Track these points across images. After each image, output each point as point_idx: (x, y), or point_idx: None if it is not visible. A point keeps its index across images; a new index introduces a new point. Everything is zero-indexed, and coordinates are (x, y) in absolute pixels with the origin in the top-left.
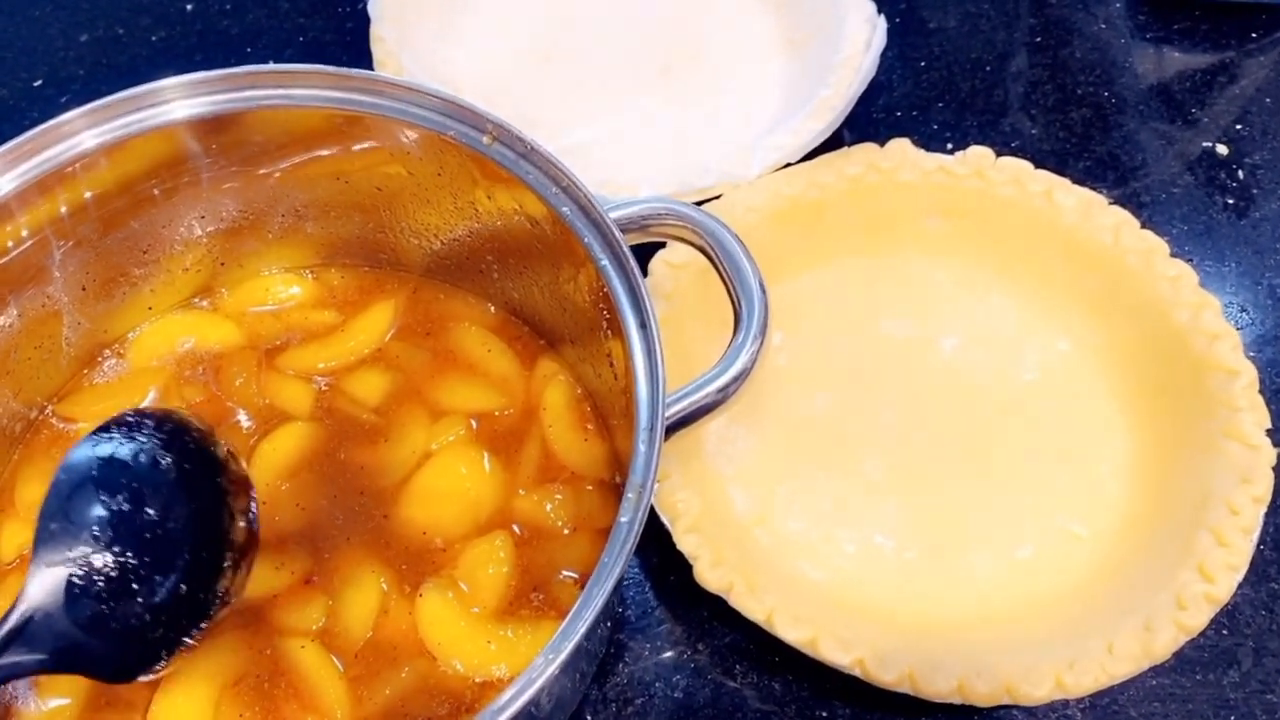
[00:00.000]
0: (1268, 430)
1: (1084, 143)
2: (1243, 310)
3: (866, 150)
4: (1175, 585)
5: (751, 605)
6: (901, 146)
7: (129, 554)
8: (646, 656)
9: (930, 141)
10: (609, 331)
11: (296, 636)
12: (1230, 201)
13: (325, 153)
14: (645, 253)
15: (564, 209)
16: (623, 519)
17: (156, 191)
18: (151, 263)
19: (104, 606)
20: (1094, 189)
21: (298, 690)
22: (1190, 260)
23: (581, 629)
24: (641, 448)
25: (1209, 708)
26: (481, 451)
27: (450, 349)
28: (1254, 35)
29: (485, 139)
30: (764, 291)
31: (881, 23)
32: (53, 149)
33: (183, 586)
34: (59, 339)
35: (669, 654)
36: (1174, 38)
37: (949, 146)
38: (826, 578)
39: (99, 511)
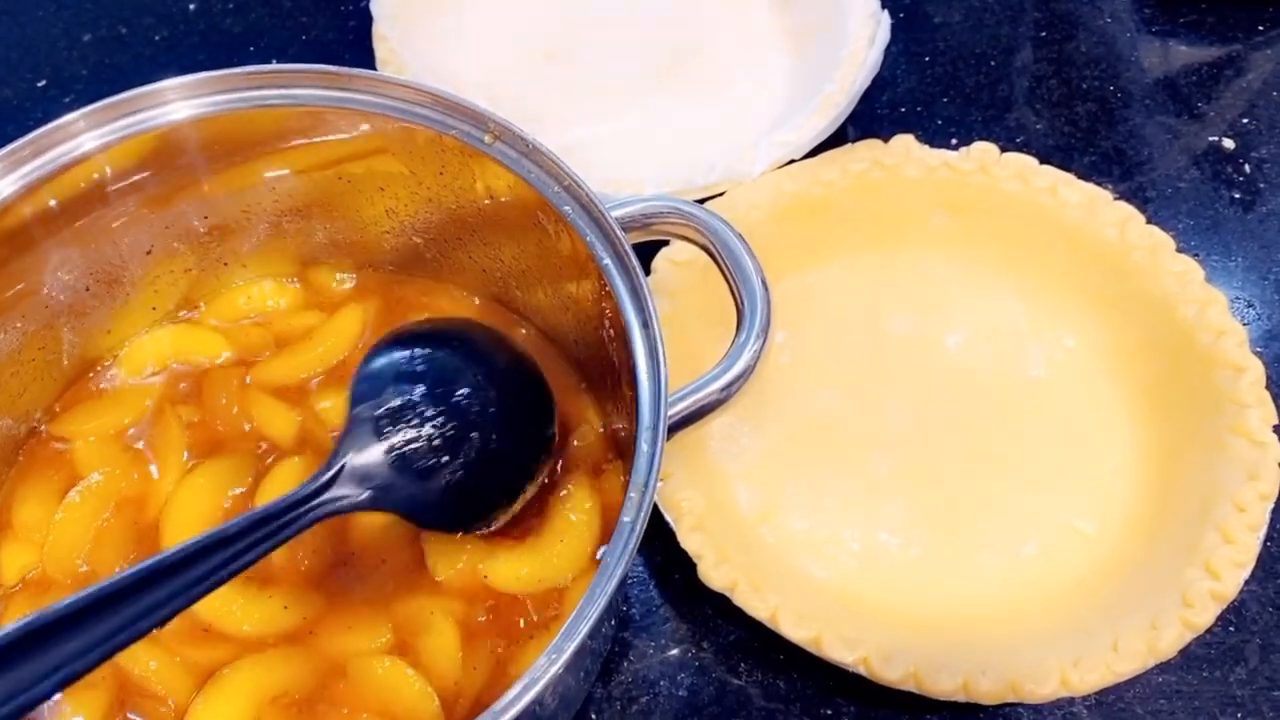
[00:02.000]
0: (1275, 426)
1: (1089, 137)
2: (1249, 305)
3: (870, 146)
4: (1181, 582)
5: (755, 604)
6: (905, 143)
7: (432, 406)
8: (651, 655)
9: (935, 137)
10: (611, 330)
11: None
12: (1237, 196)
13: (326, 153)
14: (648, 250)
15: (566, 207)
16: (625, 518)
17: (159, 192)
18: (154, 264)
19: (416, 453)
20: (1099, 184)
21: (359, 699)
22: (1196, 255)
23: (585, 627)
24: (644, 446)
25: (1216, 705)
26: None
27: None
28: (1260, 28)
29: (487, 138)
30: (766, 289)
31: (885, 18)
32: (53, 151)
33: (487, 438)
34: (53, 352)
35: (674, 652)
36: (1180, 31)
37: (954, 142)
38: (831, 576)
39: (402, 369)
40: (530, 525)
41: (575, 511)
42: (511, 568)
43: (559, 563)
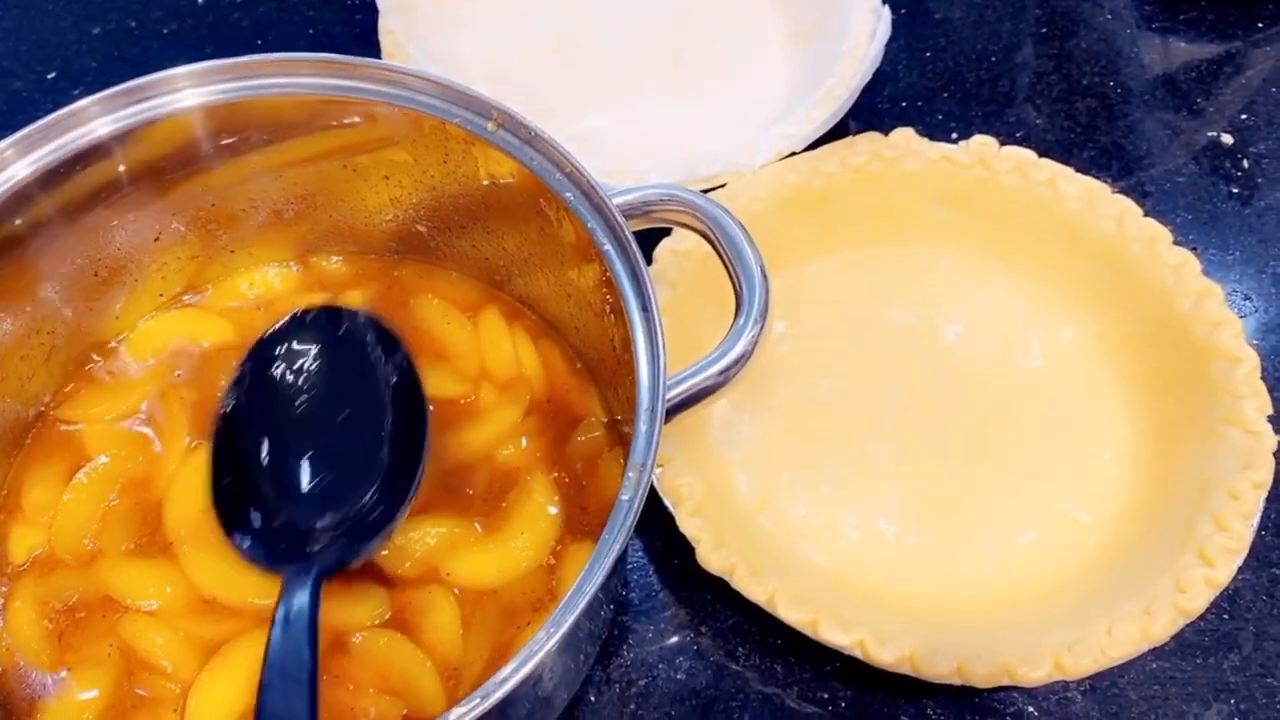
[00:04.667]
0: (1269, 416)
1: (1089, 133)
2: (1246, 298)
3: (871, 139)
4: (1175, 569)
5: (753, 587)
6: (906, 136)
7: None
8: (650, 639)
9: (935, 131)
10: (612, 316)
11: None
12: (1235, 191)
13: (332, 141)
14: (650, 241)
15: (567, 194)
16: (623, 497)
17: (168, 179)
18: (162, 250)
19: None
20: (1099, 178)
21: (361, 673)
22: (1194, 249)
23: (582, 603)
24: (642, 427)
25: (1209, 691)
26: None
27: (434, 334)
28: (1260, 25)
29: (490, 125)
30: (765, 276)
31: (886, 13)
32: (65, 137)
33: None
34: (61, 337)
35: (672, 636)
36: (1180, 28)
37: (954, 136)
38: (828, 562)
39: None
40: (492, 521)
41: (537, 506)
42: (475, 562)
43: (519, 556)
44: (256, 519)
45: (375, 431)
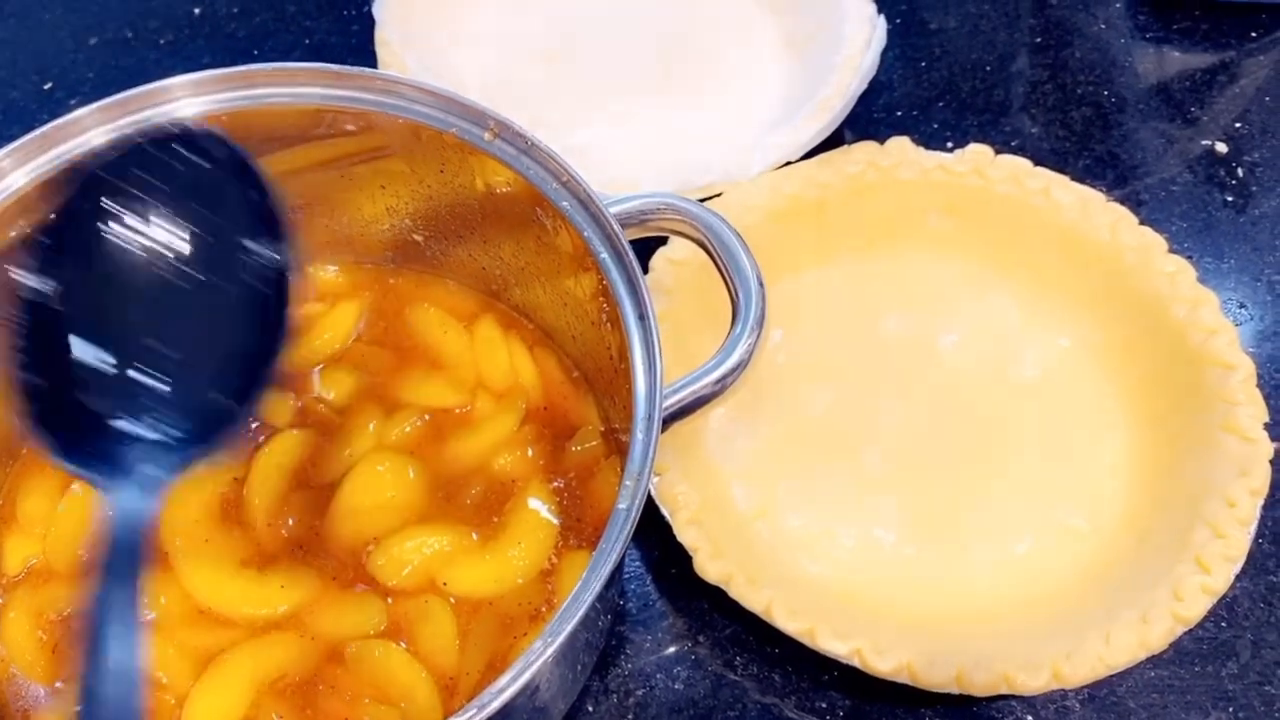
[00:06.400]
0: (1265, 424)
1: (1084, 142)
2: (1241, 306)
3: (866, 148)
4: (1172, 577)
5: (750, 596)
6: (901, 145)
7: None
8: (647, 649)
9: (930, 141)
10: (608, 325)
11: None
12: (1229, 199)
13: (329, 151)
14: (647, 250)
15: (564, 204)
16: (620, 506)
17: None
18: None
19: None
20: (1094, 187)
21: (356, 683)
22: (1189, 257)
23: (579, 612)
24: (639, 436)
25: (1207, 699)
26: None
27: (430, 343)
28: (1254, 34)
29: (486, 135)
30: (761, 284)
31: (881, 22)
32: (62, 146)
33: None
34: None
35: (670, 646)
36: (1174, 37)
37: (949, 146)
38: (826, 571)
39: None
40: (488, 531)
41: (533, 515)
42: (472, 572)
43: (516, 566)
44: (70, 412)
45: (224, 301)
